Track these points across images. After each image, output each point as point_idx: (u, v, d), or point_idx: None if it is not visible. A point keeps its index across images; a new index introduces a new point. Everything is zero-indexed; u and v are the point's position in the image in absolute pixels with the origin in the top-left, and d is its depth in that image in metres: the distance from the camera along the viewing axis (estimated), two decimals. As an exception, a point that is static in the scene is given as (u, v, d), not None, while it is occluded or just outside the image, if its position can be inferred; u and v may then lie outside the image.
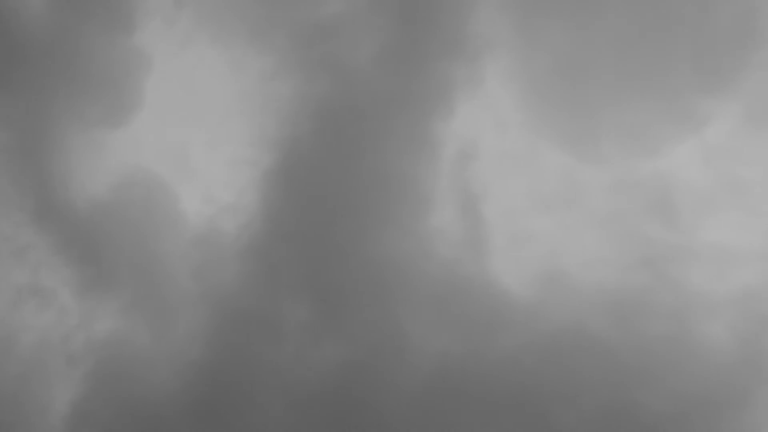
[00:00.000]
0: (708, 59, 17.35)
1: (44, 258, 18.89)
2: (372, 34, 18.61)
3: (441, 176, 17.89)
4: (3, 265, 18.95)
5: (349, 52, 18.61)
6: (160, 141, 19.25)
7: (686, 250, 16.53)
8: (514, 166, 17.99)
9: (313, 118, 18.45)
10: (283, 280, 17.78)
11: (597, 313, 16.47)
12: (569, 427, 15.91)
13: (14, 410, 18.13)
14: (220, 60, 19.17)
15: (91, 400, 17.70)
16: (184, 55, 19.41)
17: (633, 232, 16.89)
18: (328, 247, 17.87)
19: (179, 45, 19.38)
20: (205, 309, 17.87)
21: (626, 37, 17.80)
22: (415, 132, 18.12)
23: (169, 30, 19.44)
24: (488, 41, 18.42)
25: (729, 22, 17.34)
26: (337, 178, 18.23)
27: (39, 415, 17.95)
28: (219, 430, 16.88)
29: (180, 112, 19.40)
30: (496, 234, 17.44)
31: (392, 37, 18.56)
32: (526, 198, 17.68)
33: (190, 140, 19.27)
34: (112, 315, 18.41)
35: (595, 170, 17.34)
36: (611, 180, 17.20)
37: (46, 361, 18.33)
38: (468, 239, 17.41)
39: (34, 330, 18.55)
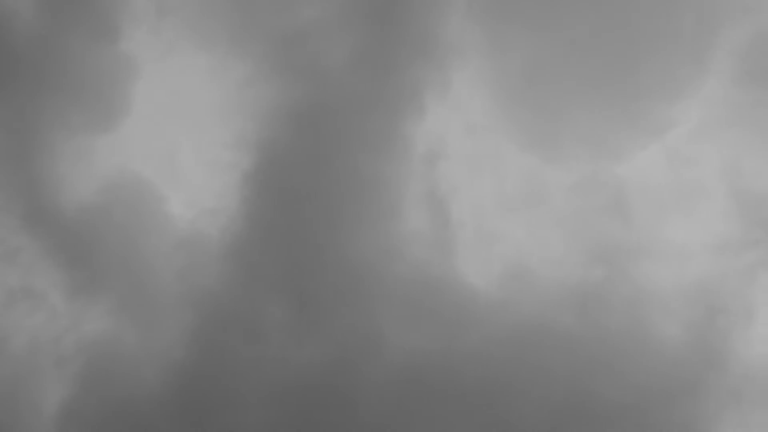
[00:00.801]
0: (669, 68, 17.88)
1: (35, 261, 19.21)
2: (345, 39, 19.03)
3: (411, 178, 18.33)
4: (-5, 268, 19.24)
5: (324, 56, 19.01)
6: (147, 145, 19.64)
7: (642, 248, 17.14)
8: (482, 167, 18.50)
9: (291, 121, 18.83)
10: (264, 282, 18.16)
11: (559, 307, 17.02)
12: (532, 418, 16.39)
13: (5, 410, 18.32)
14: (203, 66, 19.54)
15: (79, 399, 17.91)
16: (168, 62, 19.79)
17: (592, 230, 17.43)
18: (306, 248, 18.31)
19: (163, 52, 19.77)
20: (189, 310, 18.21)
21: (591, 45, 18.27)
22: (387, 134, 18.56)
23: (153, 38, 19.82)
24: (457, 46, 18.88)
25: (689, 32, 17.87)
26: (315, 179, 18.66)
27: (30, 415, 18.22)
28: (203, 428, 17.21)
29: (166, 117, 19.78)
30: (464, 234, 17.91)
31: (365, 42, 19.00)
32: (493, 198, 18.20)
33: (176, 144, 19.68)
34: (101, 317, 18.71)
35: (559, 172, 17.89)
36: (573, 181, 17.74)
37: (36, 362, 18.61)
38: (437, 239, 17.88)
39: (25, 331, 18.81)
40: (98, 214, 19.32)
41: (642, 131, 17.79)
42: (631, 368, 16.61)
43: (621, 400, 16.41)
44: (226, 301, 18.22)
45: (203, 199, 19.11)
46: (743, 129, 17.44)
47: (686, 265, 17.12)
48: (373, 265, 17.91)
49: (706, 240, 17.04)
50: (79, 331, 18.71)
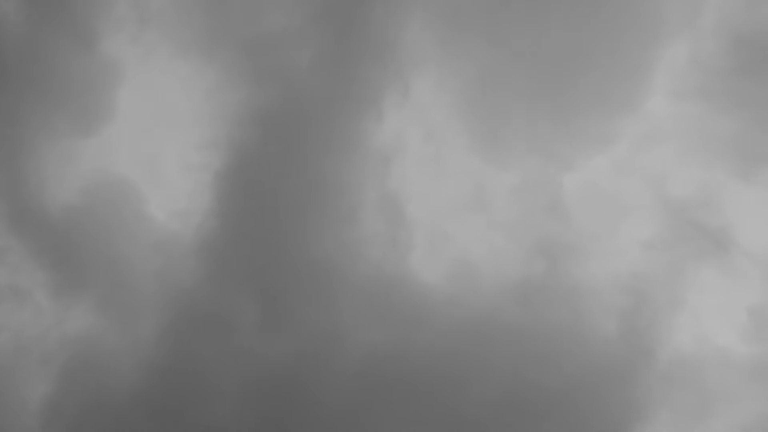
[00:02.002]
0: (614, 84, 18.67)
1: (21, 260, 19.84)
2: (309, 45, 19.70)
3: (370, 180, 19.03)
4: (-19, 268, 19.55)
5: (290, 62, 19.68)
6: (128, 148, 20.31)
7: (579, 246, 18.05)
8: (435, 170, 19.23)
9: (260, 124, 19.49)
10: (235, 280, 18.86)
11: (503, 302, 17.87)
12: (478, 405, 17.31)
13: (-9, 405, 18.77)
14: (180, 71, 20.24)
15: (62, 394, 18.57)
16: (147, 68, 20.47)
17: (534, 230, 18.33)
18: (273, 246, 19.00)
19: (143, 59, 20.43)
20: (165, 308, 18.87)
21: (543, 59, 19.00)
22: (348, 137, 19.24)
23: (133, 45, 20.48)
24: (415, 54, 19.52)
25: (631, 51, 18.59)
26: (282, 181, 19.39)
27: (14, 409, 18.80)
28: (177, 421, 17.92)
29: (146, 122, 20.49)
30: (418, 234, 18.70)
31: (327, 49, 19.66)
32: (445, 200, 18.92)
33: (155, 147, 20.30)
34: (83, 315, 19.35)
35: (506, 176, 18.68)
36: (518, 185, 18.60)
37: (21, 358, 19.19)
38: (393, 239, 18.66)
39: (10, 328, 19.40)
40: (81, 216, 19.96)
41: (586, 141, 18.55)
42: (569, 358, 17.43)
43: (559, 388, 17.27)
44: (199, 299, 18.85)
45: (180, 200, 19.76)
46: (675, 141, 18.33)
47: (618, 262, 18.01)
48: (335, 264, 18.57)
49: (637, 239, 17.99)
50: (62, 329, 19.35)
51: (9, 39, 20.28)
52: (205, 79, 19.98)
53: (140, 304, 19.39)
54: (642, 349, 17.65)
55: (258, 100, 19.63)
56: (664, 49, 18.54)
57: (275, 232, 19.24)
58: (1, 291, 19.77)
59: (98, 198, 20.10)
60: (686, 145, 18.44)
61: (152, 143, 20.36)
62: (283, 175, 19.39)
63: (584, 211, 18.39)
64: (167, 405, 18.19)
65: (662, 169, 18.26)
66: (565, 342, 17.58)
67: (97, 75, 20.51)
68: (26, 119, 20.34)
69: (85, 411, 18.45)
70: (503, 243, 18.44)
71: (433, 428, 17.57)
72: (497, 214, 18.67)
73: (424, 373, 17.69)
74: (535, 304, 17.92)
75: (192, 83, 20.11)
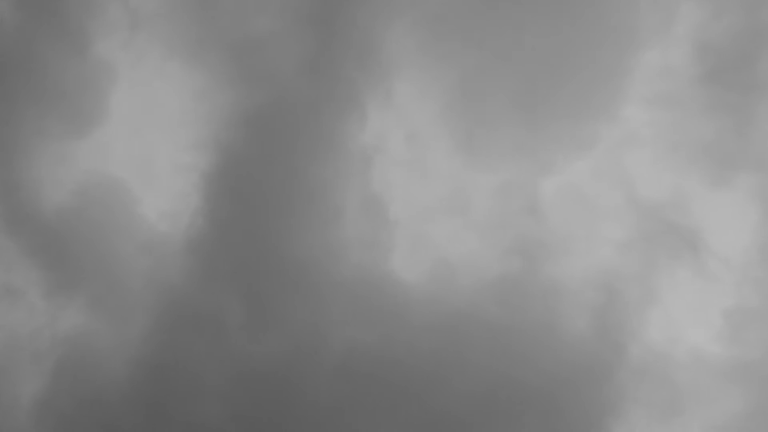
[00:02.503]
0: (594, 91, 19.07)
1: (15, 260, 20.12)
2: (295, 49, 20.08)
3: (353, 181, 19.40)
4: (-24, 268, 19.93)
5: (276, 64, 20.06)
6: (121, 150, 20.51)
7: (554, 245, 18.49)
8: (418, 172, 19.59)
9: (248, 125, 19.83)
10: (223, 280, 19.17)
11: (481, 301, 18.15)
12: (457, 402, 17.65)
13: (-18, 403, 19.09)
14: (170, 74, 20.64)
15: (53, 393, 18.84)
16: (139, 71, 20.81)
17: (511, 230, 18.76)
18: (261, 247, 19.33)
19: (135, 62, 20.78)
20: (155, 307, 19.15)
21: (525, 64, 19.32)
22: (333, 139, 19.53)
23: (125, 48, 20.84)
24: (399, 57, 19.77)
25: (612, 59, 19.00)
26: (269, 182, 19.77)
27: (6, 408, 19.11)
28: (166, 418, 18.32)
29: (138, 123, 20.73)
30: (400, 234, 19.11)
31: (313, 51, 20.02)
32: (426, 201, 19.26)
33: (147, 148, 20.59)
34: (75, 314, 19.62)
35: (484, 178, 19.07)
36: (496, 187, 19.02)
37: (14, 357, 19.52)
38: (376, 240, 19.05)
39: (3, 327, 19.72)
40: (75, 216, 20.29)
41: (564, 145, 18.92)
42: (544, 354, 17.79)
43: (535, 383, 17.60)
44: (188, 298, 19.13)
45: (170, 201, 20.10)
46: (651, 147, 18.78)
47: (593, 261, 18.44)
48: (320, 264, 18.89)
49: (611, 239, 18.44)
50: (55, 327, 19.59)
51: (2, 42, 20.67)
52: (194, 82, 20.37)
53: (131, 303, 19.70)
54: (614, 346, 17.94)
55: (245, 101, 19.94)
56: (639, 56, 18.94)
57: (262, 232, 19.58)
58: (-3, 290, 20.00)
59: (91, 198, 20.45)
60: (661, 150, 18.85)
61: (144, 144, 20.70)
62: (269, 176, 19.74)
63: (560, 212, 18.77)
64: (156, 401, 18.50)
65: (637, 173, 18.65)
66: (541, 339, 17.94)
67: (90, 78, 20.86)
68: (20, 121, 20.66)
69: (76, 408, 18.63)
70: (481, 243, 18.81)
71: (413, 421, 17.96)
72: (476, 215, 19.04)
73: (405, 369, 18.05)
74: (512, 302, 18.27)
75: (182, 85, 20.50)
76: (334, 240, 19.23)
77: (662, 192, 18.52)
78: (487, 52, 19.54)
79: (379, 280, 18.71)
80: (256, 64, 20.14)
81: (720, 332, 18.01)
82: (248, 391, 18.53)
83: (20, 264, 20.25)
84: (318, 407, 18.30)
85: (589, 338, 17.93)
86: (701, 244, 18.36)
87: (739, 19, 18.70)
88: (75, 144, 20.60)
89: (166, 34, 20.76)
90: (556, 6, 19.39)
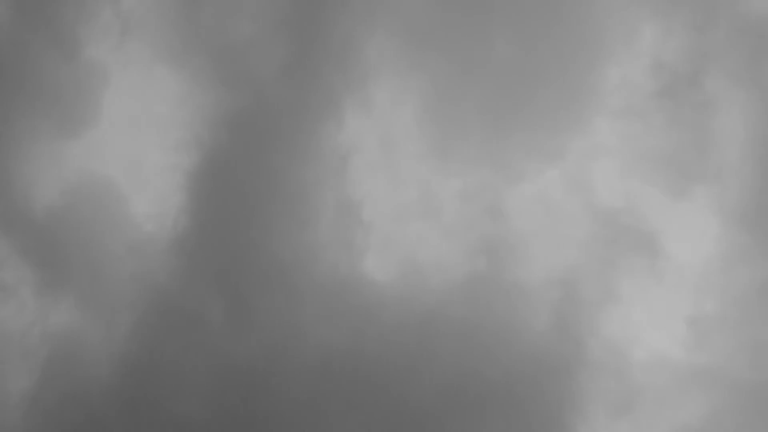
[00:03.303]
0: (562, 103, 19.82)
1: (7, 258, 20.62)
2: (277, 53, 20.71)
3: (330, 184, 19.98)
4: (-32, 266, 20.13)
5: (258, 69, 20.69)
6: (111, 150, 21.10)
7: (518, 246, 19.22)
8: (391, 176, 20.27)
9: (231, 128, 20.44)
10: (205, 280, 19.69)
11: (449, 300, 18.81)
12: (426, 397, 18.31)
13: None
14: (158, 77, 21.30)
15: (41, 388, 19.35)
16: (129, 74, 21.48)
17: (477, 232, 19.45)
18: (242, 247, 19.90)
19: (124, 65, 21.46)
20: (140, 305, 19.69)
21: (497, 79, 20.02)
22: (311, 142, 20.12)
23: (115, 52, 21.51)
24: (376, 66, 20.42)
25: (582, 72, 19.75)
26: (250, 183, 20.35)
27: None
28: (149, 412, 18.84)
29: (127, 125, 21.38)
30: (373, 236, 19.71)
31: (294, 57, 20.63)
32: (398, 204, 19.96)
33: (136, 149, 21.15)
34: (65, 311, 20.11)
35: (454, 183, 19.79)
36: (465, 191, 19.72)
37: (4, 353, 19.93)
38: (350, 242, 19.66)
39: None
40: (65, 215, 20.82)
41: (531, 153, 19.68)
42: (507, 350, 18.42)
43: (499, 378, 18.26)
44: (172, 297, 19.70)
45: (156, 201, 20.65)
46: (616, 157, 19.56)
47: (554, 263, 19.16)
48: (298, 264, 19.46)
49: (573, 243, 19.14)
50: (44, 324, 20.02)
51: (-2, 44, 20.94)
52: (181, 85, 20.98)
53: (118, 301, 20.19)
54: (573, 343, 18.61)
55: (228, 105, 20.56)
56: (604, 71, 19.68)
57: (243, 232, 20.12)
58: (-12, 286, 20.31)
59: (81, 198, 20.98)
60: (624, 160, 19.57)
61: (133, 145, 21.25)
62: (250, 177, 20.29)
63: (525, 216, 19.46)
64: (139, 397, 19.08)
65: (601, 181, 19.39)
66: (505, 335, 18.55)
67: (81, 81, 21.45)
68: (14, 123, 21.22)
69: (63, 403, 19.21)
70: (450, 245, 19.45)
71: (385, 414, 18.56)
72: (445, 218, 19.70)
73: (377, 364, 18.67)
74: (478, 301, 18.89)
75: (169, 88, 21.12)
76: (311, 241, 19.78)
77: (624, 200, 19.24)
78: (462, 62, 20.20)
79: (353, 280, 19.28)
80: (238, 68, 20.76)
81: (680, 337, 18.68)
82: (229, 387, 19.06)
83: (12, 262, 20.77)
84: (296, 402, 18.85)
85: (549, 335, 18.58)
86: (661, 250, 19.06)
87: (690, 40, 19.40)
88: (66, 144, 21.23)
89: (154, 39, 21.47)
90: (528, 21, 20.06)
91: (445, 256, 19.33)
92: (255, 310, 19.47)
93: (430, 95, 20.29)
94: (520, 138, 19.68)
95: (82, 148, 21.14)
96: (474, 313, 18.81)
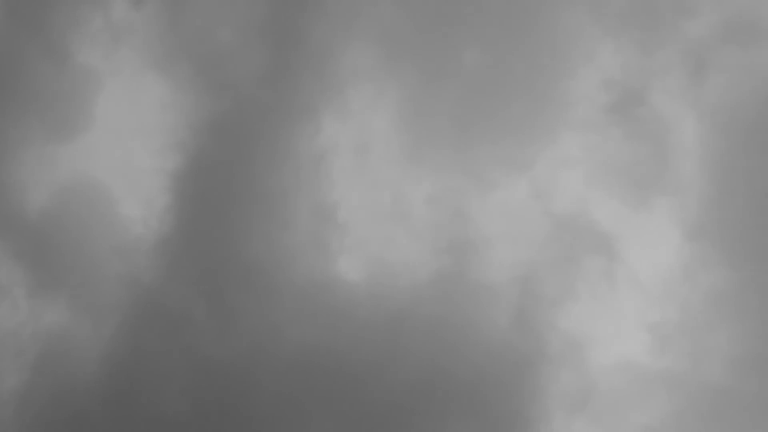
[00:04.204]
0: (530, 116, 20.55)
1: (0, 260, 21.17)
2: (258, 61, 21.41)
3: (308, 188, 20.65)
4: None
5: (240, 75, 21.44)
6: (100, 154, 21.71)
7: (482, 246, 19.96)
8: (365, 180, 20.93)
9: (212, 133, 21.13)
10: (189, 280, 20.19)
11: (418, 299, 19.44)
12: (396, 391, 18.85)
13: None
14: (145, 83, 22.05)
15: (32, 386, 19.85)
16: (118, 81, 22.24)
17: (444, 234, 20.24)
18: (224, 249, 20.48)
19: (113, 72, 22.20)
20: (127, 306, 20.11)
21: (471, 89, 20.73)
22: (290, 147, 20.74)
23: (105, 60, 22.28)
24: (353, 74, 21.11)
25: (546, 89, 20.51)
26: (232, 186, 20.98)
27: None
28: (134, 408, 19.38)
29: (116, 129, 22.00)
30: (348, 238, 20.41)
31: (274, 65, 21.30)
32: (371, 207, 20.64)
33: (125, 153, 21.77)
34: (56, 312, 20.53)
35: (424, 187, 20.57)
36: (434, 195, 20.50)
37: None
38: (325, 243, 20.34)
39: None
40: (57, 218, 21.46)
41: (498, 159, 20.46)
42: (473, 346, 19.05)
43: (465, 374, 18.88)
44: (157, 298, 20.21)
45: (142, 204, 21.29)
46: (583, 168, 20.38)
47: (516, 260, 19.99)
48: (277, 265, 20.07)
49: (533, 242, 19.99)
50: (36, 325, 20.48)
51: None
52: (165, 90, 21.74)
53: (106, 301, 20.69)
54: (534, 339, 19.31)
55: (209, 109, 21.24)
56: (568, 85, 20.48)
57: (225, 234, 20.70)
58: (-19, 288, 20.78)
59: (73, 201, 21.61)
60: (586, 171, 20.34)
61: (122, 149, 21.86)
62: (231, 180, 20.91)
63: (490, 220, 20.22)
64: (125, 395, 19.58)
65: (563, 190, 20.18)
66: (471, 332, 19.15)
67: (73, 87, 22.15)
68: (7, 128, 21.82)
69: (52, 400, 19.72)
70: (418, 246, 20.19)
71: (358, 408, 19.15)
72: (414, 221, 20.43)
73: (350, 360, 19.20)
74: (445, 299, 19.54)
75: (155, 94, 21.88)
76: (288, 242, 20.43)
77: (583, 207, 20.02)
78: (435, 73, 20.92)
79: (327, 281, 19.95)
80: (220, 74, 21.52)
81: (634, 339, 19.43)
82: (211, 384, 19.62)
83: (5, 263, 21.36)
84: (275, 397, 19.42)
85: (510, 331, 19.27)
86: (617, 256, 19.83)
87: (637, 58, 20.23)
88: (57, 149, 21.92)
89: (142, 47, 22.24)
90: (497, 36, 20.82)
91: (413, 257, 20.02)
92: (236, 310, 20.02)
93: (404, 103, 20.98)
94: (488, 146, 20.38)
95: (73, 152, 21.84)
96: (441, 311, 19.40)
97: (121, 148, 21.87)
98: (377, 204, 20.60)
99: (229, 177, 20.91)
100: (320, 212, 20.59)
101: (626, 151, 20.05)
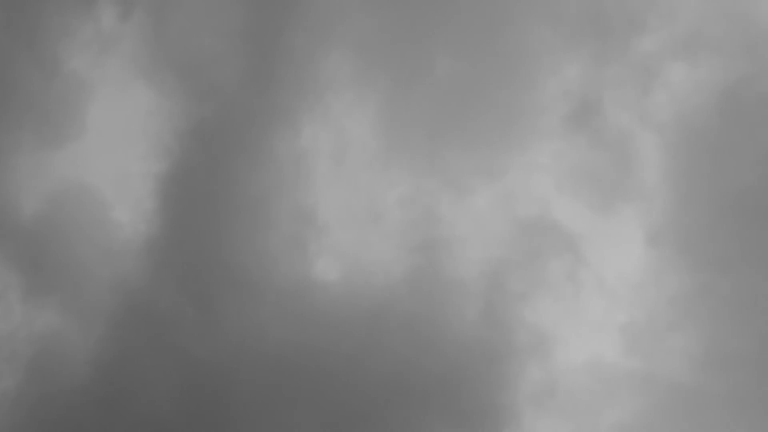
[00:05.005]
0: (507, 126, 21.35)
1: None
2: (240, 69, 22.15)
3: (288, 191, 21.28)
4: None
5: (222, 83, 22.15)
6: (92, 160, 22.31)
7: (452, 245, 20.74)
8: (343, 184, 21.69)
9: (196, 138, 21.80)
10: (175, 283, 20.77)
11: (392, 297, 20.19)
12: (373, 386, 19.58)
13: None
14: (132, 90, 22.79)
15: (24, 388, 20.41)
16: (106, 88, 22.95)
17: (417, 234, 21.01)
18: (209, 252, 21.07)
19: (102, 80, 22.91)
20: (116, 309, 20.79)
21: (440, 97, 21.51)
22: (272, 152, 21.40)
23: (93, 70, 23.05)
24: (332, 81, 21.86)
25: (519, 96, 21.29)
26: (217, 190, 21.65)
27: None
28: (122, 409, 19.90)
29: (106, 136, 22.66)
30: (326, 240, 21.11)
31: (256, 73, 21.98)
32: (348, 210, 21.31)
33: (115, 159, 22.29)
34: (49, 315, 21.07)
35: (398, 190, 21.34)
36: (407, 198, 21.30)
37: None
38: (306, 245, 21.01)
39: None
40: (50, 223, 22.07)
41: (470, 165, 21.26)
42: (445, 341, 19.80)
43: (438, 368, 19.61)
44: (145, 301, 20.88)
45: (131, 208, 21.96)
46: (552, 174, 21.20)
47: (484, 258, 20.77)
48: (259, 267, 20.72)
49: (500, 241, 20.86)
50: (30, 328, 21.05)
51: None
52: (151, 97, 22.47)
53: (97, 304, 21.24)
54: (502, 332, 20.01)
55: (193, 115, 21.97)
56: (533, 95, 21.31)
57: (209, 237, 21.35)
58: (-23, 292, 21.16)
59: (66, 206, 22.17)
60: (554, 177, 21.15)
61: (111, 155, 22.43)
62: (215, 184, 21.56)
63: (460, 221, 21.03)
64: (113, 394, 20.30)
65: (529, 193, 21.01)
66: (442, 328, 19.86)
67: (64, 95, 22.80)
68: (0, 135, 22.43)
69: (43, 401, 20.33)
70: (391, 246, 20.94)
71: (336, 402, 19.87)
72: (388, 222, 21.19)
73: (329, 357, 20.01)
74: (418, 297, 20.24)
75: (142, 101, 22.56)
76: (270, 244, 21.12)
77: (550, 209, 20.87)
78: (410, 82, 21.79)
79: (307, 281, 20.65)
80: (203, 81, 22.26)
81: (607, 343, 20.23)
82: (197, 382, 20.28)
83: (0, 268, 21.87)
84: (258, 393, 20.09)
85: (480, 325, 20.04)
86: (582, 257, 20.64)
87: (591, 71, 21.09)
88: (49, 155, 22.57)
89: (129, 56, 22.98)
90: (470, 47, 21.66)
91: (388, 257, 20.79)
92: (220, 311, 20.67)
93: (380, 110, 21.75)
94: (458, 151, 21.21)
95: (64, 158, 22.49)
96: (415, 309, 20.16)
97: (110, 153, 22.46)
98: (354, 206, 21.34)
99: (213, 181, 21.51)
100: (300, 215, 21.25)
101: (590, 158, 20.89)
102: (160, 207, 21.49)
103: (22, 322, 21.30)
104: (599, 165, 20.75)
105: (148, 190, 21.63)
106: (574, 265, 20.32)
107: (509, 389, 19.69)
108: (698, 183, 20.18)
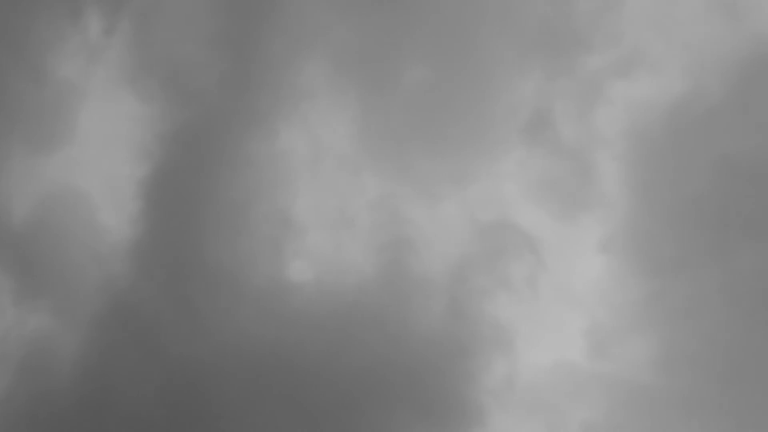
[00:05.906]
0: (481, 135, 22.21)
1: None
2: (219, 75, 22.97)
3: (266, 195, 21.97)
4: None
5: (202, 89, 23.01)
6: (80, 165, 23.10)
7: (418, 244, 21.69)
8: (319, 187, 22.57)
9: (178, 143, 22.49)
10: (159, 286, 21.36)
11: (363, 295, 20.97)
12: (346, 381, 20.24)
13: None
14: (118, 96, 23.68)
15: (15, 388, 20.90)
16: (93, 95, 23.85)
17: (385, 237, 21.89)
18: (190, 255, 21.73)
19: (91, 87, 23.81)
20: (102, 311, 21.35)
21: (418, 105, 22.40)
22: (250, 156, 22.12)
23: (81, 77, 23.92)
24: (309, 88, 22.68)
25: (482, 107, 22.19)
26: (200, 194, 22.27)
27: None
28: (108, 410, 20.42)
29: (95, 141, 23.49)
30: (301, 242, 21.97)
31: (235, 80, 22.76)
32: (322, 213, 22.20)
33: (103, 163, 23.07)
34: (40, 318, 21.59)
35: (369, 194, 22.20)
36: (378, 201, 22.12)
37: None
38: (283, 247, 21.74)
39: None
40: (40, 227, 22.75)
41: (439, 170, 22.24)
42: (414, 337, 20.57)
43: (408, 363, 20.31)
44: (130, 304, 21.48)
45: (117, 211, 22.64)
46: (517, 182, 22.07)
47: (449, 257, 21.68)
48: (239, 270, 21.38)
49: (463, 241, 21.82)
50: (21, 331, 21.53)
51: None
52: (133, 103, 23.25)
53: (85, 306, 21.75)
54: (465, 326, 20.85)
55: (174, 120, 22.68)
56: (494, 107, 22.28)
57: (191, 239, 22.02)
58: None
59: (56, 210, 22.82)
60: (522, 185, 22.12)
61: (99, 160, 23.25)
62: (196, 188, 22.20)
63: (427, 224, 22.01)
64: (99, 394, 20.88)
65: (493, 197, 21.99)
66: (411, 324, 20.64)
67: (52, 102, 23.55)
68: None
69: (34, 401, 20.88)
70: (362, 247, 21.76)
71: (310, 399, 20.57)
72: (361, 225, 22.08)
73: (304, 355, 20.68)
74: (388, 295, 21.03)
75: (126, 107, 23.39)
76: (249, 246, 21.87)
77: (512, 213, 21.83)
78: (384, 91, 22.64)
79: (283, 282, 21.44)
80: (184, 87, 23.06)
81: (569, 344, 21.14)
82: (180, 382, 20.86)
83: None
84: (238, 391, 20.62)
85: (447, 320, 20.89)
86: (542, 260, 21.60)
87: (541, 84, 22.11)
88: (39, 160, 23.27)
89: (115, 64, 23.85)
90: (442, 57, 22.61)
91: (359, 258, 21.65)
92: (201, 310, 21.36)
93: (354, 117, 22.66)
94: (427, 158, 22.22)
95: (54, 163, 23.24)
96: (385, 306, 20.91)
97: (97, 158, 23.28)
98: (327, 210, 22.18)
99: (194, 184, 22.20)
100: (277, 217, 21.99)
101: (549, 167, 21.87)
102: (144, 209, 22.16)
103: (13, 324, 21.79)
104: (558, 174, 21.70)
105: (132, 193, 22.35)
106: (534, 267, 21.25)
107: (474, 383, 20.47)
108: (651, 192, 21.06)
